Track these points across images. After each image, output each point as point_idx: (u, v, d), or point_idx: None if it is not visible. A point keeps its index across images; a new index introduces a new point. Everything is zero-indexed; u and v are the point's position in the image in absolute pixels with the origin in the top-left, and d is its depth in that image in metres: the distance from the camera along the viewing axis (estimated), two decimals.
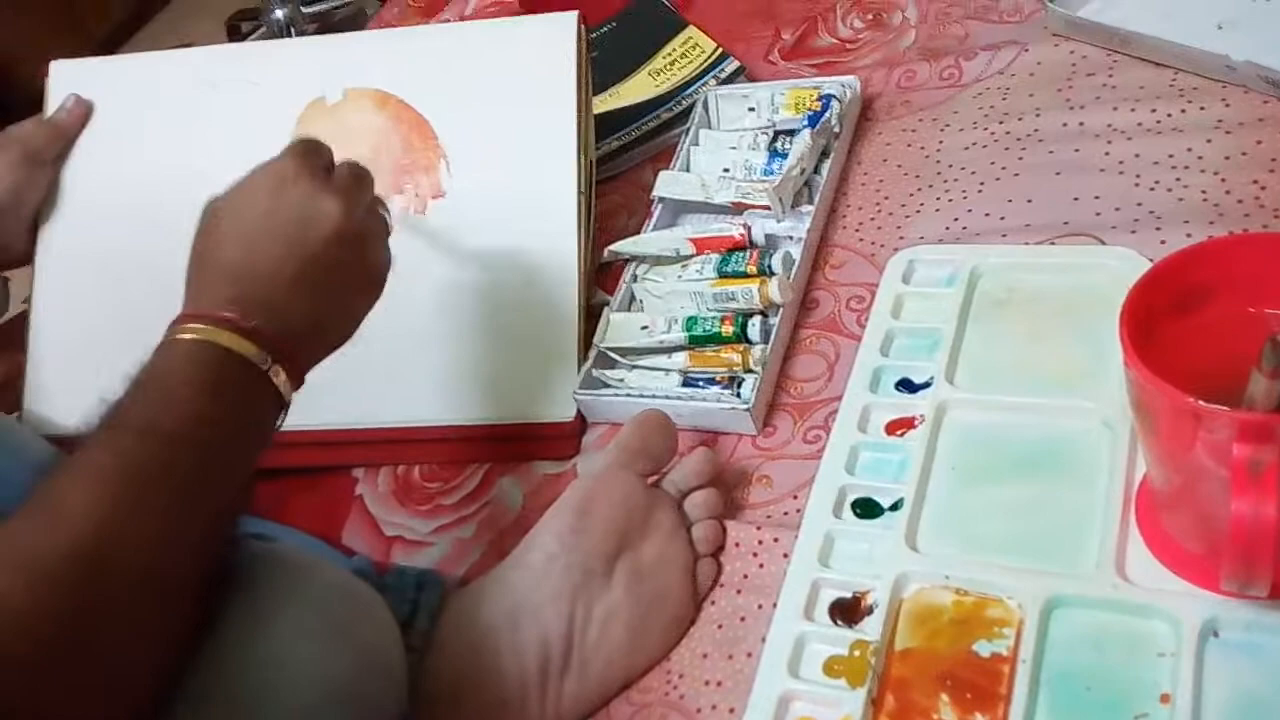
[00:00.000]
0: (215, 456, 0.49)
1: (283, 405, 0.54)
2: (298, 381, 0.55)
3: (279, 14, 2.33)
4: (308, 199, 0.56)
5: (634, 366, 0.74)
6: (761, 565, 0.61)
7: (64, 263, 0.85)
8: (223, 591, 0.50)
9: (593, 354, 0.74)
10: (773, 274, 0.72)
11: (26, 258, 0.85)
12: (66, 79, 0.87)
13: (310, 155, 0.58)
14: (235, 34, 2.60)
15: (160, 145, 0.84)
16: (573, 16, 0.79)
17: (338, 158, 0.81)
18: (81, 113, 0.85)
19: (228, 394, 0.51)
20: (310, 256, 0.55)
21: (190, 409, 0.49)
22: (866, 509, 0.61)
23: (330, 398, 0.78)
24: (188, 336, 0.51)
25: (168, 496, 0.46)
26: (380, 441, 0.78)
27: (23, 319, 0.86)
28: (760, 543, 0.62)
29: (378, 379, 0.78)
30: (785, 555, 0.61)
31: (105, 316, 0.83)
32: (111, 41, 3.01)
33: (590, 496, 0.61)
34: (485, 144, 0.79)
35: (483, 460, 0.76)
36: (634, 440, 0.63)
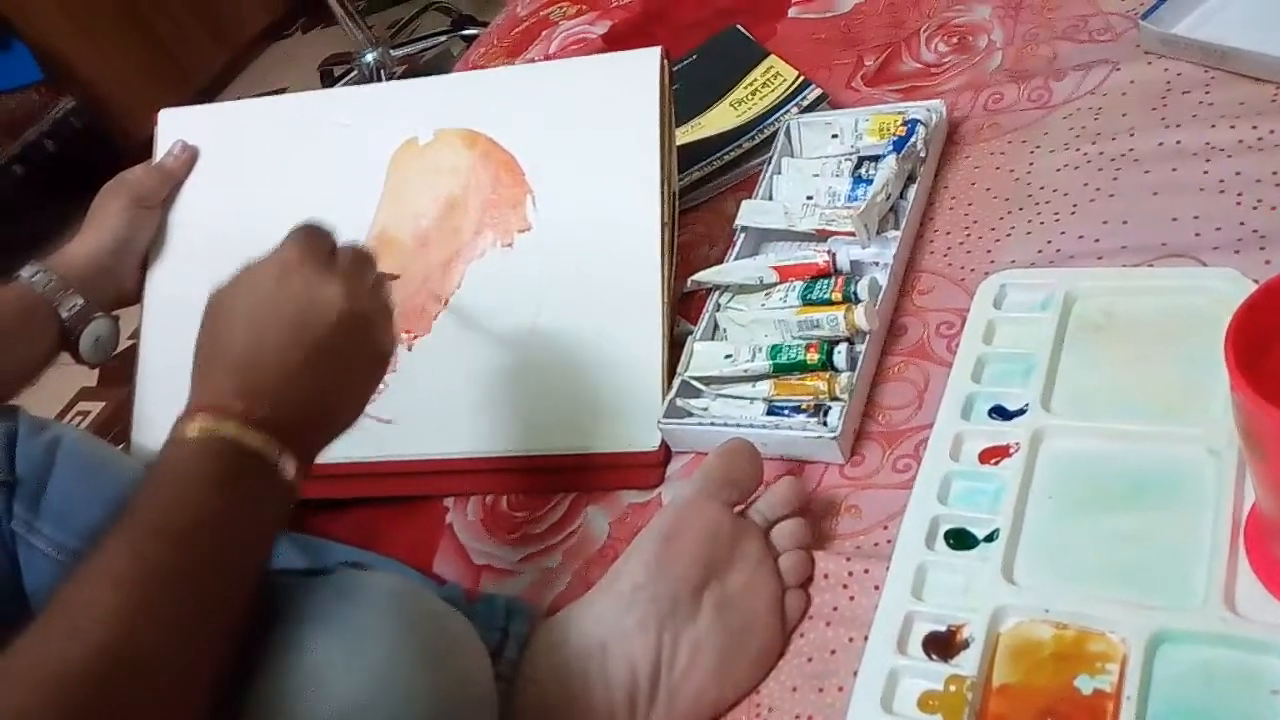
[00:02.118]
0: (229, 550, 0.50)
1: (292, 493, 0.54)
2: (306, 468, 0.55)
3: (369, 58, 2.43)
4: (311, 285, 0.56)
5: (718, 395, 0.74)
6: (852, 597, 0.60)
7: (170, 301, 0.88)
8: (321, 617, 0.51)
9: (677, 383, 0.75)
10: (858, 300, 0.72)
11: (136, 297, 0.88)
12: (174, 126, 0.91)
13: (312, 241, 0.59)
14: (328, 78, 2.70)
15: (261, 187, 0.88)
16: (656, 52, 0.80)
17: (430, 197, 0.84)
18: (188, 158, 0.89)
19: (238, 487, 0.51)
20: (316, 343, 0.55)
21: (202, 505, 0.49)
22: (960, 540, 0.59)
23: (421, 429, 0.80)
24: (196, 431, 0.51)
25: (184, 595, 0.47)
26: (469, 471, 0.79)
27: (132, 353, 0.89)
28: (850, 574, 0.61)
29: (466, 411, 0.79)
30: (876, 587, 0.60)
31: None
32: (211, 89, 3.15)
33: (677, 525, 0.61)
34: (571, 179, 0.81)
35: (569, 490, 0.77)
36: (720, 469, 0.63)
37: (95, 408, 2.10)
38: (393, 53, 2.45)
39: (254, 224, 0.87)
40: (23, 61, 2.63)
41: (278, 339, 0.55)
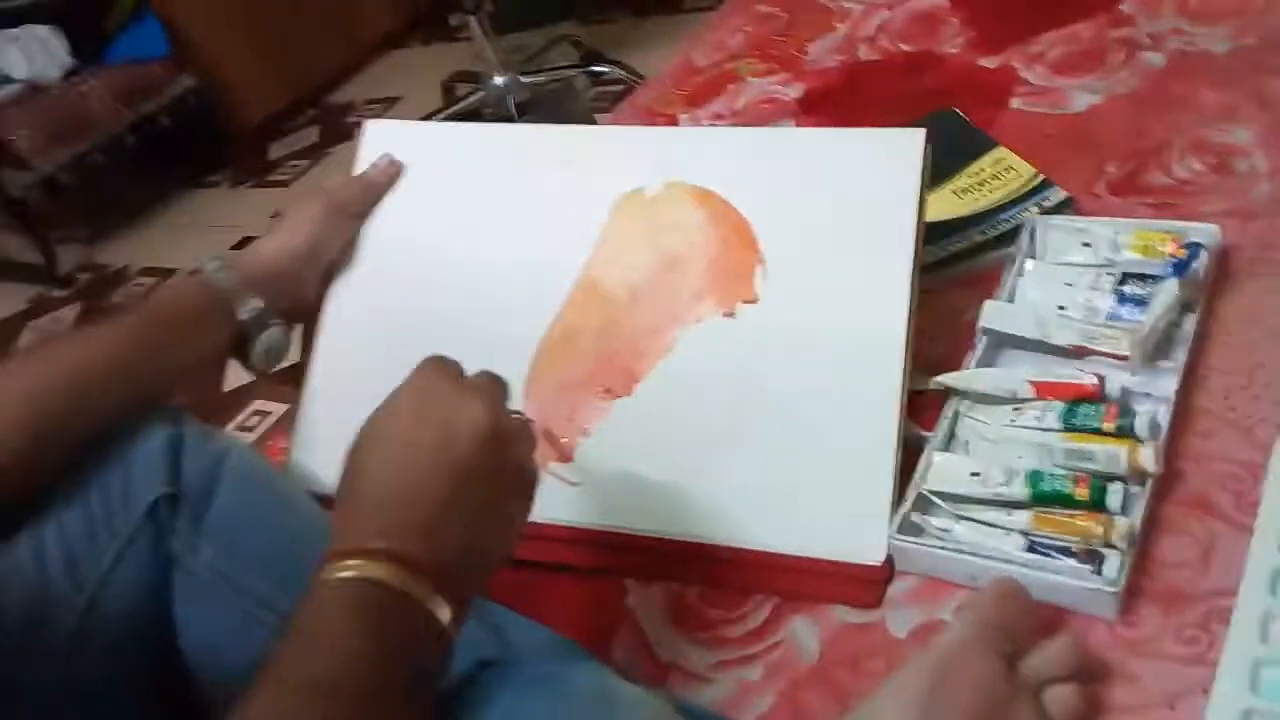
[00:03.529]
0: (381, 702, 0.45)
1: (447, 640, 0.49)
2: (461, 611, 0.50)
3: (499, 81, 2.40)
4: (451, 405, 0.53)
5: (962, 518, 0.66)
6: None
7: (349, 319, 0.83)
8: None
9: (912, 495, 0.67)
10: (1136, 437, 0.64)
11: (316, 310, 0.83)
12: (380, 139, 0.86)
13: (442, 366, 0.56)
14: (450, 94, 2.68)
15: (466, 215, 0.82)
16: (920, 135, 0.74)
17: (650, 251, 0.78)
18: (393, 172, 0.84)
19: (388, 633, 0.46)
20: (460, 465, 0.51)
21: (350, 655, 0.45)
22: None
23: (611, 498, 0.74)
24: (339, 575, 0.47)
25: None
26: (659, 552, 0.72)
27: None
28: None
29: (664, 485, 0.72)
30: None
31: (381, 378, 0.80)
32: (325, 88, 3.16)
33: (944, 675, 0.53)
34: (810, 253, 0.74)
35: (771, 592, 0.69)
36: (995, 613, 0.56)
37: (277, 410, 1.99)
38: (521, 79, 2.43)
39: (451, 251, 0.83)
40: (153, 34, 2.64)
41: (419, 468, 0.51)
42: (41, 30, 2.45)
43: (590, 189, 0.80)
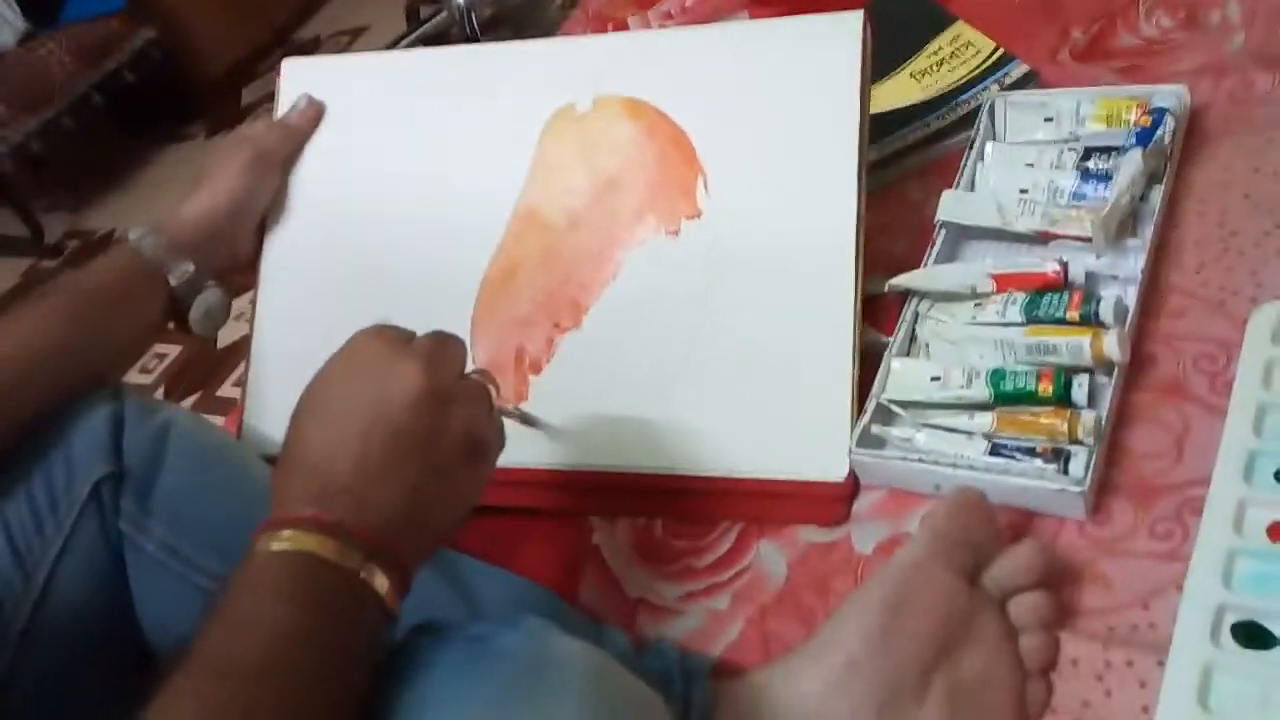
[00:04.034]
0: (311, 682, 0.43)
1: (388, 613, 0.46)
2: (403, 583, 0.47)
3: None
4: (383, 367, 0.50)
5: (924, 425, 0.63)
6: (1109, 693, 0.51)
7: (288, 270, 0.80)
8: (501, 702, 0.42)
9: (871, 406, 0.64)
10: (1101, 324, 0.61)
11: (251, 263, 0.80)
12: (298, 78, 0.82)
13: (381, 330, 0.53)
14: (414, 18, 2.59)
15: (395, 150, 0.78)
16: (858, 17, 0.68)
17: (585, 172, 0.74)
18: (314, 114, 0.80)
19: (321, 607, 0.44)
20: (393, 428, 0.49)
21: (278, 635, 0.43)
22: (1253, 636, 0.49)
23: (569, 437, 0.71)
24: (271, 547, 0.45)
25: None
26: (621, 489, 0.70)
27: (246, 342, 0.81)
28: (1108, 664, 0.51)
29: (620, 419, 0.70)
30: (1142, 684, 0.50)
31: (329, 329, 0.76)
32: (289, 25, 3.07)
33: (903, 592, 0.51)
34: (751, 161, 0.70)
35: (736, 518, 0.67)
36: (953, 527, 0.53)
37: (172, 351, 2.05)
38: None
39: (384, 189, 0.79)
40: None
41: (351, 431, 0.48)
42: None
43: (519, 111, 0.75)
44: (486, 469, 0.54)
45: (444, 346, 0.53)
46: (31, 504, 0.63)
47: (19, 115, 2.42)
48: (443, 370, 0.52)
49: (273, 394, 0.79)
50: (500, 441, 0.56)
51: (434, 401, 0.50)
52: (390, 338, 0.52)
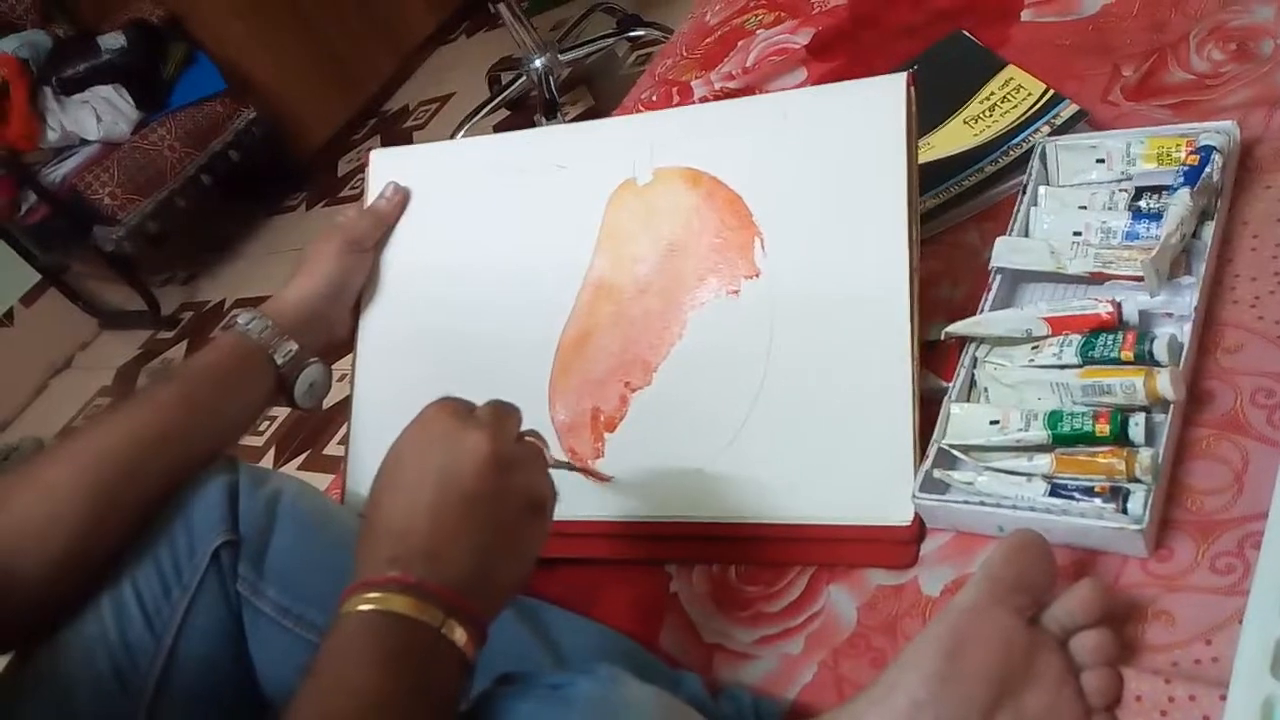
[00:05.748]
0: None
1: (467, 665, 0.51)
2: (479, 636, 0.52)
3: (538, 64, 2.41)
4: (451, 437, 0.55)
5: (985, 468, 0.65)
6: None
7: (383, 346, 0.86)
8: None
9: (933, 451, 0.67)
10: (1156, 363, 0.62)
11: (349, 342, 0.86)
12: (385, 167, 0.88)
13: (448, 402, 0.58)
14: (496, 84, 2.70)
15: (474, 230, 0.84)
16: (901, 80, 0.72)
17: (649, 241, 0.79)
18: (400, 199, 0.87)
19: (404, 663, 0.49)
20: (464, 493, 0.54)
21: (366, 690, 0.47)
22: None
23: (643, 489, 0.75)
24: (357, 609, 0.50)
25: None
26: (695, 538, 0.73)
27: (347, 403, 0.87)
28: (1171, 700, 0.52)
29: (691, 472, 0.73)
30: (1206, 718, 0.51)
31: (423, 396, 0.83)
32: (381, 95, 3.22)
33: (962, 636, 0.53)
34: (805, 220, 0.74)
35: (806, 563, 0.70)
36: (1009, 570, 0.55)
37: (281, 414, 2.15)
38: (560, 57, 2.43)
39: (467, 267, 0.85)
40: (208, 74, 2.74)
41: (426, 499, 0.54)
42: (106, 90, 2.56)
43: (585, 187, 0.80)
44: (546, 523, 0.59)
45: (503, 414, 0.58)
46: (159, 570, 0.69)
47: (134, 199, 2.59)
48: (503, 436, 0.57)
49: (371, 462, 0.84)
50: (554, 496, 0.60)
51: (497, 466, 0.55)
52: (454, 409, 0.57)
